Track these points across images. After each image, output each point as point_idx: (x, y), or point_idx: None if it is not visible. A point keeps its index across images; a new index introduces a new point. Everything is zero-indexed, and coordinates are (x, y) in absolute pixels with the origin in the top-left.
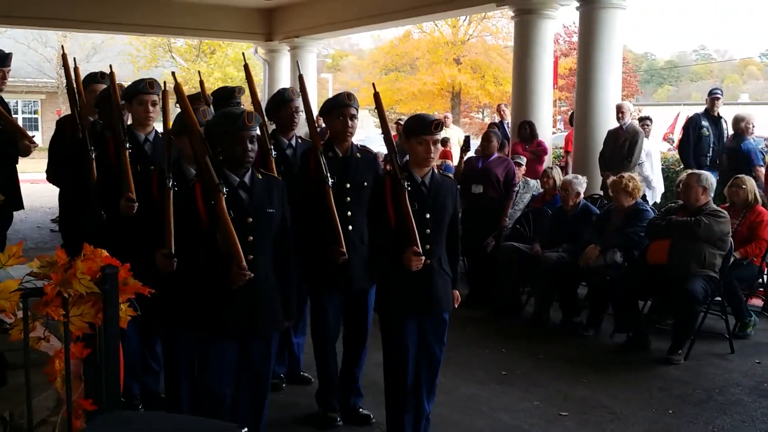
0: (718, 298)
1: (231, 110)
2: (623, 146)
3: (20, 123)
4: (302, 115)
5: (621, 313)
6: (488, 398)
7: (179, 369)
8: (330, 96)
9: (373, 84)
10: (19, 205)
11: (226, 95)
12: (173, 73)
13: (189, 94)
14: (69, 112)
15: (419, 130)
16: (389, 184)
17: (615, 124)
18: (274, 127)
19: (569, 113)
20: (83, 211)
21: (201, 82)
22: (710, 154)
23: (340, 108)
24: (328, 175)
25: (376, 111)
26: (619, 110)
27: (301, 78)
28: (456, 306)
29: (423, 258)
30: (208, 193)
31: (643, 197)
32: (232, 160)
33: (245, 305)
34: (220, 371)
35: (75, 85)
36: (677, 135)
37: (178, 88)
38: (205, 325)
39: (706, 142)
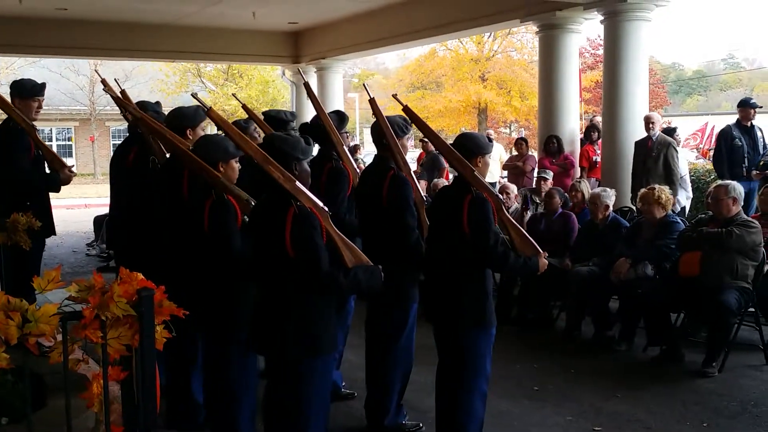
0: (752, 309)
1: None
2: (657, 158)
3: (55, 150)
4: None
5: (653, 326)
6: (520, 414)
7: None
8: (357, 116)
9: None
10: (51, 231)
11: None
12: (209, 109)
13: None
14: (99, 137)
15: (487, 148)
16: (493, 203)
17: (642, 136)
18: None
19: (585, 127)
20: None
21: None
22: (745, 164)
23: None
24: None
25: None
26: (649, 121)
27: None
28: None
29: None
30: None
31: (682, 210)
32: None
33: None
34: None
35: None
36: (705, 145)
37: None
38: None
39: (740, 153)
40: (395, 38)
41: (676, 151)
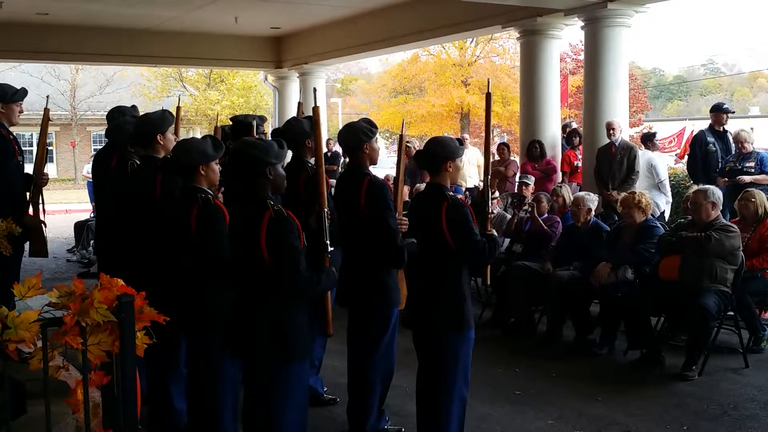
0: (731, 313)
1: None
2: (621, 163)
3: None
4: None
5: (634, 329)
6: (501, 418)
7: (227, 393)
8: (340, 121)
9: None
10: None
11: (247, 127)
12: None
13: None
14: (80, 142)
15: (457, 152)
16: (472, 209)
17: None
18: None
19: (567, 132)
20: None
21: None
22: (719, 169)
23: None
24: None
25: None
26: (610, 128)
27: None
28: None
29: None
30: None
31: (662, 215)
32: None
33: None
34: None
35: None
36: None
37: None
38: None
39: (714, 158)
40: (377, 43)
41: (638, 154)
